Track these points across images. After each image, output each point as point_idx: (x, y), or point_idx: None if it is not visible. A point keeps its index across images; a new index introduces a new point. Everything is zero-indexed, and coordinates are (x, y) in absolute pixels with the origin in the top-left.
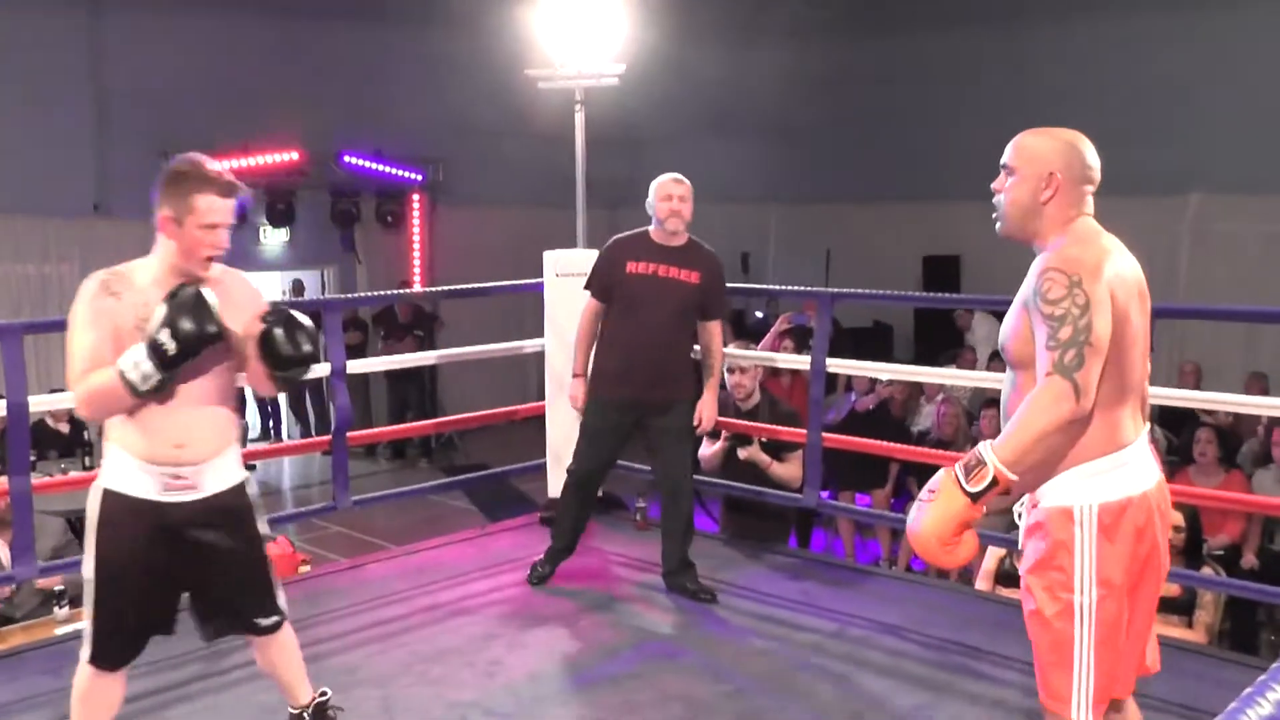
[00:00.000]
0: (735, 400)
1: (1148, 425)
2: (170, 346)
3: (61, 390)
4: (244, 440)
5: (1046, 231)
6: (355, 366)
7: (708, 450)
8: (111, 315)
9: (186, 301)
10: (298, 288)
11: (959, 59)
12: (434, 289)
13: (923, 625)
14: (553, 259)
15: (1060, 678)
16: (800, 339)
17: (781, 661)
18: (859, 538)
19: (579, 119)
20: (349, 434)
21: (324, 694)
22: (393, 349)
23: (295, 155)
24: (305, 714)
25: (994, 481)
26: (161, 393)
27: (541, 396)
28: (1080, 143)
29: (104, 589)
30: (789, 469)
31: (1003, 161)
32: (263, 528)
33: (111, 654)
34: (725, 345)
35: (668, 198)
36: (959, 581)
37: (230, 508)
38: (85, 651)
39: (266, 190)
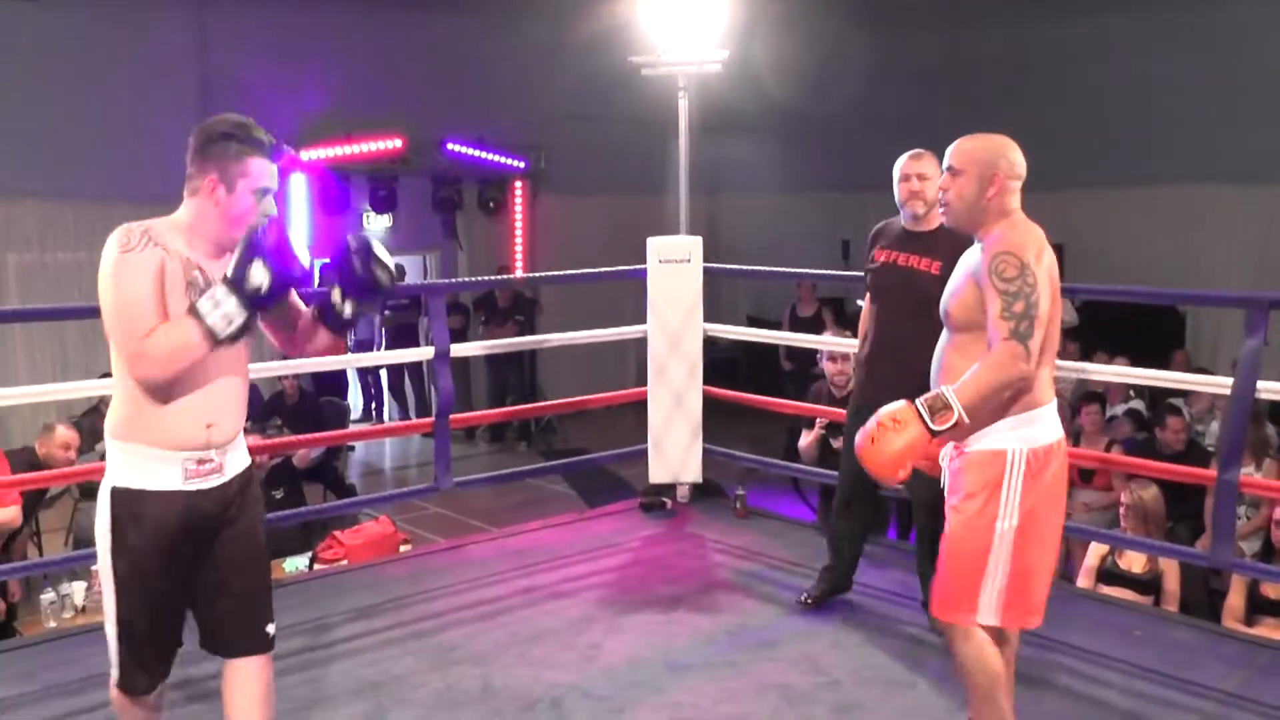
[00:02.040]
0: (832, 388)
1: None
2: (263, 282)
3: None
4: (345, 421)
5: (990, 223)
6: (457, 350)
7: (805, 440)
8: (160, 266)
9: (282, 230)
10: (399, 272)
11: (1062, 47)
12: (538, 274)
13: None
14: (656, 245)
15: (968, 588)
16: None
17: (879, 654)
18: None
19: (682, 105)
20: (450, 416)
21: None
22: (493, 334)
23: (398, 143)
24: None
25: (956, 424)
26: (238, 340)
27: (640, 382)
28: (1012, 147)
29: (128, 605)
30: None
31: (948, 164)
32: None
33: (141, 678)
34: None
35: (905, 178)
36: (1060, 579)
37: (249, 492)
38: (114, 675)
39: (370, 177)
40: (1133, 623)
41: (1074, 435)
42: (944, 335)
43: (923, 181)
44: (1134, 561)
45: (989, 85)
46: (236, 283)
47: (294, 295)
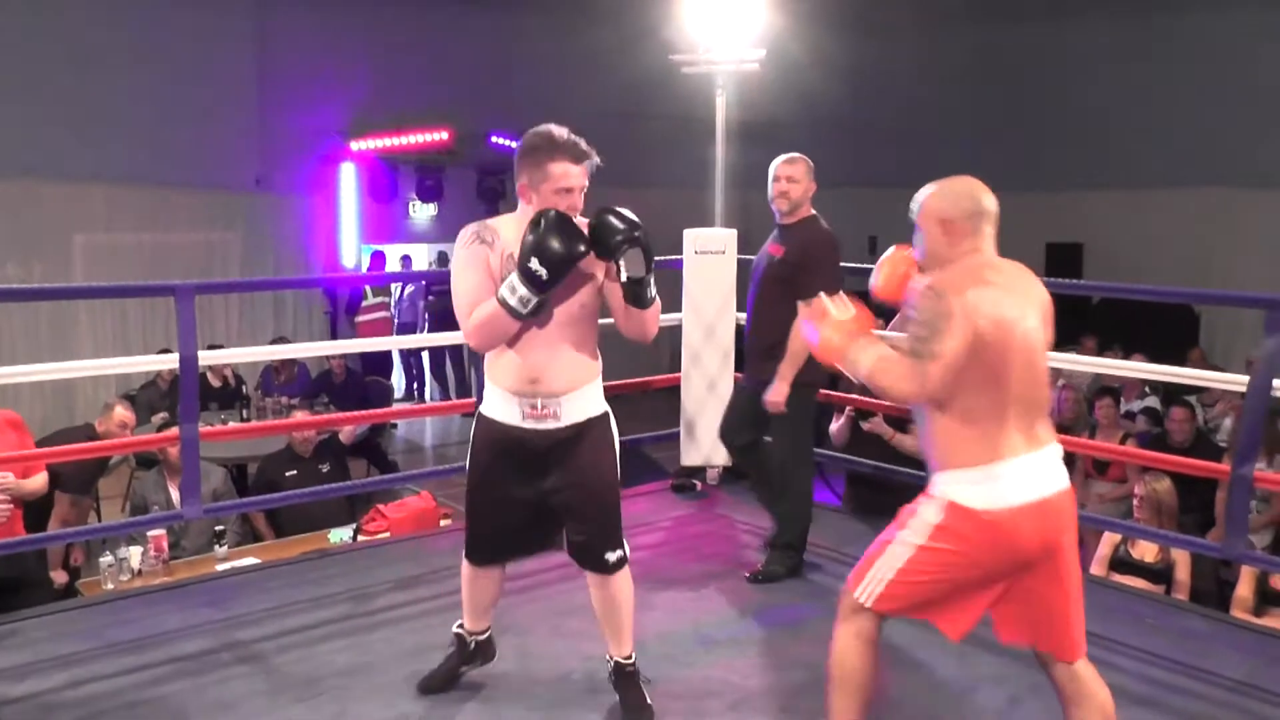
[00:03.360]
0: None
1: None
2: (541, 271)
3: (220, 347)
4: (389, 400)
5: (951, 266)
6: None
7: (835, 425)
8: (484, 259)
9: (551, 225)
10: (443, 259)
11: (1088, 50)
12: None
13: None
14: (692, 237)
15: (864, 566)
16: None
17: (902, 635)
18: None
19: (719, 103)
20: None
21: (630, 658)
22: None
23: (445, 135)
24: (609, 663)
25: (835, 340)
26: (540, 314)
27: (673, 368)
28: (968, 187)
29: (472, 497)
30: (914, 440)
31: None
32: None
33: (476, 553)
34: None
35: (776, 179)
36: None
37: (587, 439)
38: (465, 548)
39: (417, 167)
40: (1145, 611)
41: (1091, 429)
42: None
43: (790, 183)
44: (1146, 551)
45: (1015, 88)
46: (524, 271)
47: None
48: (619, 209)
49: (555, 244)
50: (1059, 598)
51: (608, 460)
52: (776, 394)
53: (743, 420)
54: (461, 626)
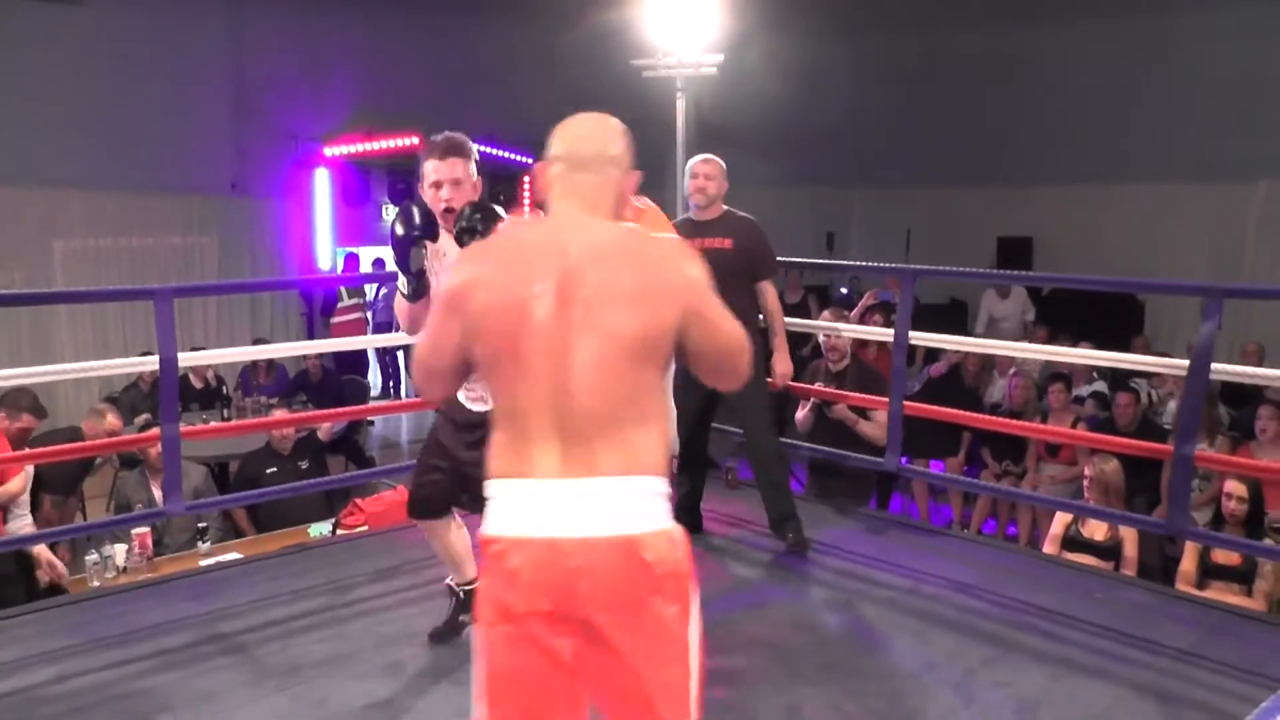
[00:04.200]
0: (828, 363)
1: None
2: (395, 253)
3: (201, 348)
4: (365, 398)
5: None
6: None
7: (800, 413)
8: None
9: (395, 215)
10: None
11: (1033, 53)
12: None
13: (992, 585)
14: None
15: None
16: (888, 313)
17: (861, 614)
18: (933, 502)
19: (680, 105)
20: None
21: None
22: None
23: (415, 139)
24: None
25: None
26: (417, 295)
27: None
28: (562, 125)
29: (420, 453)
30: (874, 427)
31: None
32: None
33: (414, 507)
34: (814, 317)
35: (694, 176)
36: (1028, 546)
37: None
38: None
39: (388, 171)
40: (1095, 586)
41: (1043, 413)
42: None
43: (707, 180)
44: (1096, 530)
45: (964, 88)
46: None
47: None
48: (481, 202)
49: (395, 228)
50: (622, 684)
51: None
52: (785, 366)
53: (695, 421)
54: (451, 580)
